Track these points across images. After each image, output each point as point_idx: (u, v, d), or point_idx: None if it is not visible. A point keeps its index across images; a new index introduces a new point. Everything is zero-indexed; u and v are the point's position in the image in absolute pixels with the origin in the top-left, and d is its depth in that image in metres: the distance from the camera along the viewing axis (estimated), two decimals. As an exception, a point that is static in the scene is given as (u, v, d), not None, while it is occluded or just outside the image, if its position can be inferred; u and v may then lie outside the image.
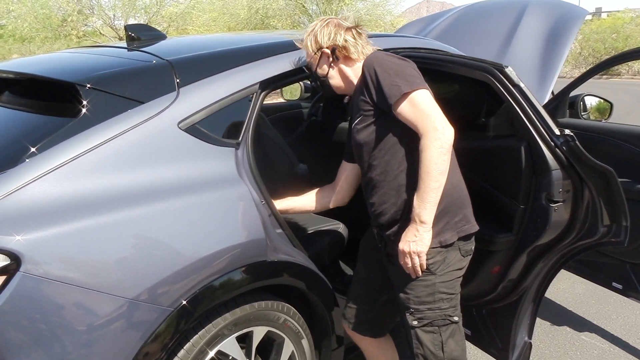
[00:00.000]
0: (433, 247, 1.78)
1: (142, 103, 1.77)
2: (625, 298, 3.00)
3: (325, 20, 1.99)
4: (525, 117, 1.88)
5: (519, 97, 1.89)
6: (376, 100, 1.81)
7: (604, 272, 3.00)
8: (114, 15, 17.93)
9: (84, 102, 1.71)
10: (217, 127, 1.89)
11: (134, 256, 1.59)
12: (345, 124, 2.78)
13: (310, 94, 4.49)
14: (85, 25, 17.44)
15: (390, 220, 1.89)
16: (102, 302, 1.52)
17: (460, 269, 1.87)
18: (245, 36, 2.66)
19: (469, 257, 1.89)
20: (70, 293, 1.48)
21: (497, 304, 2.24)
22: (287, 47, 2.17)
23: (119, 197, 1.61)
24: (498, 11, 4.42)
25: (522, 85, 1.89)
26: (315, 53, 1.98)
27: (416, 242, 1.73)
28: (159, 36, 2.37)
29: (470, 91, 2.53)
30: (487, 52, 3.75)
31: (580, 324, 3.20)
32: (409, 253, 1.75)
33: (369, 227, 2.99)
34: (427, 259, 1.78)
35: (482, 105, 2.45)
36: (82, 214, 1.53)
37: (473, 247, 1.89)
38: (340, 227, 2.59)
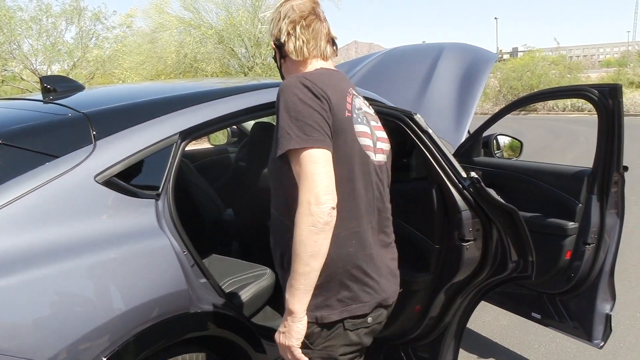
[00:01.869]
0: (309, 321, 1.52)
1: (57, 157, 1.74)
2: (545, 327, 3.14)
3: (285, 3, 1.66)
4: (434, 161, 1.98)
5: (428, 143, 2.00)
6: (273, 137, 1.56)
7: (524, 303, 3.13)
8: (37, 60, 17.48)
9: (-5, 158, 1.66)
10: (136, 179, 1.88)
11: (51, 315, 1.54)
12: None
13: (237, 139, 4.53)
14: (5, 70, 16.87)
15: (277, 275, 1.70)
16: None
17: (348, 344, 1.59)
18: (166, 85, 2.67)
19: (366, 330, 1.61)
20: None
21: (422, 342, 2.30)
22: (208, 96, 2.20)
23: (34, 254, 1.57)
24: (416, 56, 4.64)
25: (430, 131, 2.00)
26: (272, 42, 1.73)
27: (285, 334, 1.49)
28: (77, 87, 2.35)
29: (395, 133, 2.63)
30: (407, 94, 3.93)
31: (506, 354, 3.31)
32: (279, 345, 1.53)
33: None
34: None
35: (403, 147, 2.55)
36: (-5, 273, 1.48)
37: (374, 321, 1.61)
38: (267, 273, 2.59)
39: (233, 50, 14.82)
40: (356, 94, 1.67)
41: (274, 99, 2.45)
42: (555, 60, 31.76)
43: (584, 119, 20.47)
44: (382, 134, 1.71)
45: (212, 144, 4.65)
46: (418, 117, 2.01)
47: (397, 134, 2.50)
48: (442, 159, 1.97)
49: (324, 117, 1.47)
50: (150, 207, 1.87)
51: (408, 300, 2.15)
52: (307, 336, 1.53)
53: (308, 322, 1.51)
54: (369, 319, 1.57)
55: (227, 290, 2.13)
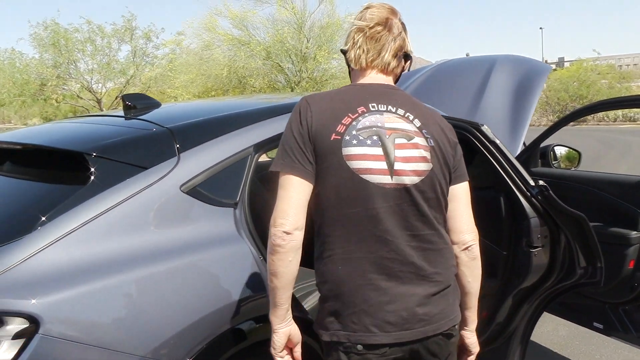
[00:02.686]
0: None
1: (146, 169, 1.88)
2: (607, 337, 3.11)
3: (362, 9, 1.67)
4: (502, 170, 2.04)
5: (496, 153, 2.06)
6: None
7: (585, 313, 3.12)
8: (92, 79, 18.26)
9: (91, 170, 1.81)
10: (216, 189, 2.00)
11: (145, 315, 1.67)
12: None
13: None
14: (64, 89, 17.68)
15: None
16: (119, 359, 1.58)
17: None
18: (237, 101, 2.82)
19: (358, 358, 1.50)
20: (86, 352, 1.55)
21: (486, 348, 2.33)
22: (278, 110, 2.33)
23: (128, 258, 1.71)
24: (468, 68, 4.68)
25: (497, 141, 2.06)
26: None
27: (271, 344, 1.61)
28: (154, 104, 2.51)
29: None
30: (460, 106, 3.97)
31: (567, 365, 3.30)
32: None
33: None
34: None
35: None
36: (94, 276, 1.62)
37: (366, 351, 1.50)
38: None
39: (280, 65, 15.13)
40: (381, 109, 1.56)
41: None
42: (603, 70, 31.05)
43: (636, 130, 19.91)
44: (413, 152, 1.53)
45: (268, 157, 4.78)
46: (485, 128, 2.07)
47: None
48: (510, 168, 2.02)
49: (298, 143, 1.49)
50: (229, 215, 2.00)
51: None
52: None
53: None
54: (359, 347, 1.49)
55: (296, 296, 2.22)
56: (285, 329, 1.59)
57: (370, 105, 1.55)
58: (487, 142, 2.06)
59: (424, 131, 1.56)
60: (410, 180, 1.50)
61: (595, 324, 3.02)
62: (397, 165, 1.50)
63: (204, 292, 1.83)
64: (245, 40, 14.64)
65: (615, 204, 2.88)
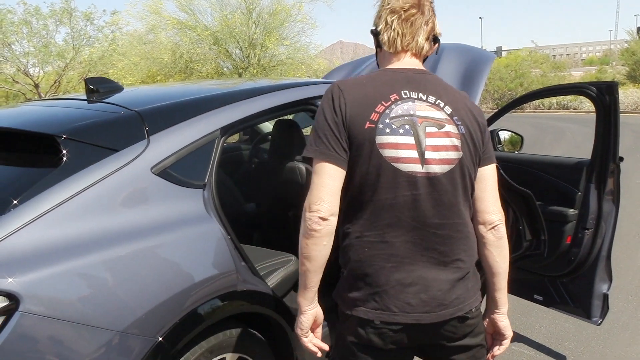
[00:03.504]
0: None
1: (117, 151, 1.92)
2: (546, 309, 3.36)
3: None
4: None
5: None
6: None
7: (527, 287, 3.35)
8: (28, 62, 17.51)
9: (63, 152, 1.84)
10: (186, 171, 2.06)
11: (120, 292, 1.73)
12: (292, 164, 3.00)
13: (248, 137, 4.71)
14: (-2, 72, 16.89)
15: None
16: (94, 335, 1.64)
17: (356, 337, 1.58)
18: (202, 86, 2.86)
19: (373, 331, 1.55)
20: (65, 329, 1.60)
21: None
22: (243, 94, 2.40)
23: (103, 238, 1.75)
24: (417, 56, 4.82)
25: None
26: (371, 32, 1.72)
27: (296, 324, 1.68)
28: (117, 88, 2.53)
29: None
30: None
31: (509, 336, 3.54)
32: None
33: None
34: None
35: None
36: (70, 256, 1.66)
37: (384, 326, 1.54)
38: (293, 259, 2.78)
39: (227, 51, 14.99)
40: (413, 97, 1.56)
41: (299, 97, 2.67)
42: (539, 59, 32.24)
43: (568, 117, 20.89)
44: (444, 140, 1.54)
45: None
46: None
47: None
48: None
49: (333, 131, 1.51)
50: (199, 195, 2.06)
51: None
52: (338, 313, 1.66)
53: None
54: (377, 322, 1.54)
55: (261, 274, 2.31)
56: (312, 311, 1.65)
57: (402, 92, 1.56)
58: None
59: (454, 118, 1.57)
60: (440, 169, 1.52)
61: (535, 296, 3.24)
62: (428, 154, 1.51)
63: (176, 269, 1.90)
64: (192, 25, 14.41)
65: (555, 184, 3.10)
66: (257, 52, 14.66)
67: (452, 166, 1.54)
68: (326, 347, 1.71)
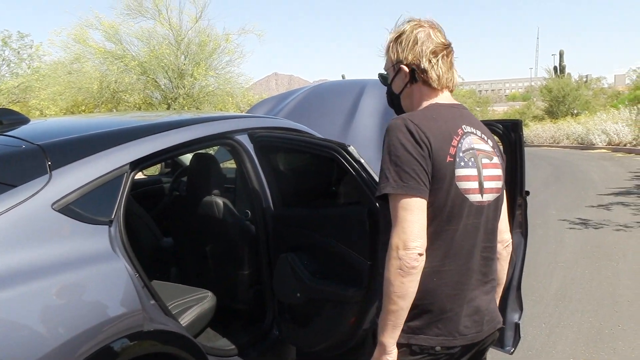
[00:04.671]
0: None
1: (15, 186, 1.83)
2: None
3: (418, 27, 1.69)
4: (366, 187, 2.23)
5: (360, 171, 2.24)
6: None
7: None
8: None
9: (-46, 188, 1.74)
10: (91, 206, 1.99)
11: (17, 333, 1.63)
12: (209, 198, 2.97)
13: (170, 169, 4.63)
14: None
15: None
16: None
17: None
18: (113, 118, 2.79)
19: (431, 358, 1.60)
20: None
21: (357, 352, 2.50)
22: (155, 128, 2.36)
23: (-3, 278, 1.65)
24: (340, 91, 4.94)
25: (362, 160, 2.25)
26: (393, 65, 1.74)
27: None
28: (22, 120, 2.43)
29: (321, 165, 2.84)
30: (333, 127, 4.20)
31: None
32: None
33: (237, 294, 3.11)
34: None
35: (331, 177, 2.79)
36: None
37: (443, 351, 1.60)
38: (209, 296, 2.72)
39: (156, 81, 14.77)
40: (470, 131, 1.65)
41: (216, 131, 2.67)
42: (465, 94, 33.71)
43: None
44: (494, 171, 1.67)
45: (144, 175, 4.71)
46: (351, 149, 2.25)
47: (325, 167, 2.70)
48: (374, 184, 2.21)
49: (422, 165, 1.51)
50: (104, 232, 1.99)
51: (345, 313, 2.36)
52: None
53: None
54: (437, 348, 1.59)
55: (173, 312, 2.25)
56: (395, 350, 1.59)
57: (463, 126, 1.64)
58: (353, 162, 2.24)
59: (495, 150, 1.72)
60: (492, 197, 1.66)
61: None
62: (486, 184, 1.63)
63: (77, 310, 1.80)
64: (119, 54, 14.13)
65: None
66: (186, 82, 14.54)
67: (498, 195, 1.69)
68: None
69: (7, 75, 17.07)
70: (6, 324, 1.62)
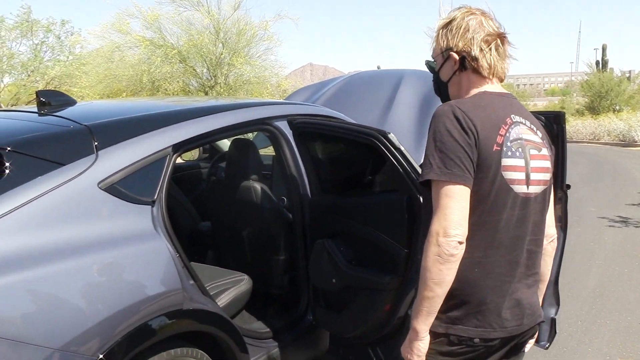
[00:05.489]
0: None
1: (63, 165, 1.89)
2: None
3: (469, 14, 1.66)
4: (406, 175, 2.22)
5: (400, 159, 2.24)
6: None
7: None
8: (-12, 73, 17.13)
9: (6, 165, 1.80)
10: (135, 187, 2.04)
11: (60, 308, 1.69)
12: (247, 183, 3.00)
13: (208, 155, 4.69)
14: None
15: None
16: (31, 353, 1.59)
17: (448, 355, 1.61)
18: (156, 102, 2.85)
19: (469, 349, 1.60)
20: (1, 346, 1.54)
21: (389, 340, 2.50)
22: (198, 112, 2.40)
23: (43, 253, 1.71)
24: (378, 81, 4.91)
25: (402, 148, 2.25)
26: (442, 52, 1.71)
27: (408, 349, 1.60)
28: (70, 102, 2.49)
29: (358, 154, 2.82)
30: (370, 117, 4.18)
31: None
32: (403, 357, 1.64)
33: (272, 279, 3.13)
34: None
35: (368, 166, 2.78)
36: (9, 269, 1.62)
37: (481, 343, 1.58)
38: (245, 279, 2.76)
39: (194, 69, 14.94)
40: (519, 121, 1.62)
41: (255, 117, 2.69)
42: (503, 87, 33.02)
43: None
44: (542, 163, 1.64)
45: (183, 160, 4.79)
46: (392, 136, 2.25)
47: (362, 156, 2.67)
48: (413, 172, 2.21)
49: (467, 153, 1.49)
50: (147, 212, 2.04)
51: (380, 300, 2.36)
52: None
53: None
54: (476, 340, 1.57)
55: (211, 293, 2.29)
56: (428, 337, 1.59)
57: (512, 116, 1.61)
58: (393, 149, 2.24)
59: (544, 141, 1.67)
60: (538, 189, 1.62)
61: None
62: (532, 176, 1.59)
63: (119, 287, 1.86)
64: (159, 43, 14.34)
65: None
66: (224, 71, 14.66)
67: (545, 187, 1.65)
68: None
69: (50, 62, 17.46)
70: (51, 298, 1.69)
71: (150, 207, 2.06)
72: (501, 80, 1.71)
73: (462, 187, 1.48)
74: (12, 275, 1.62)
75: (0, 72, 17.10)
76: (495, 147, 1.53)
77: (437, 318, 1.58)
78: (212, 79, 14.89)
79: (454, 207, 1.46)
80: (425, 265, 1.48)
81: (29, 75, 17.22)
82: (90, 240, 1.85)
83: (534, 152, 1.61)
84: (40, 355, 1.61)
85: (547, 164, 1.66)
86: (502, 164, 1.53)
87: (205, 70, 15.02)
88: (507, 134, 1.56)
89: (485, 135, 1.52)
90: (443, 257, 1.45)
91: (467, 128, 1.50)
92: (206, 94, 14.58)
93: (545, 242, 1.74)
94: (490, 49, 1.63)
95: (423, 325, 1.55)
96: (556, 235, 1.82)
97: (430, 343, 1.60)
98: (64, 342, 1.66)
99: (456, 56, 1.66)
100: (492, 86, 1.68)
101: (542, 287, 1.82)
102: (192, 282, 2.13)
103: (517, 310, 1.61)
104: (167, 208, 2.15)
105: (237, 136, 3.06)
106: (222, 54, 14.70)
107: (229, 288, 2.67)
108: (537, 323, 1.70)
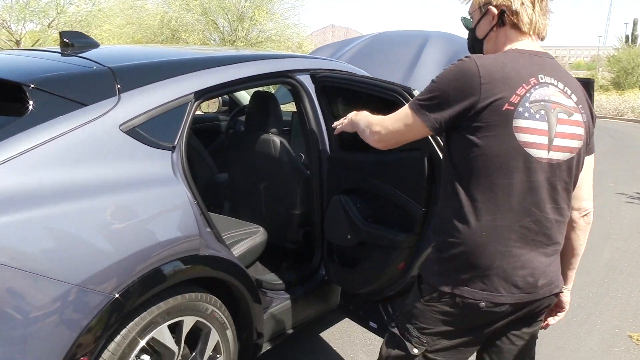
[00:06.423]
0: (426, 282, 1.68)
1: (86, 105, 1.89)
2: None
3: None
4: None
5: None
6: None
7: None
8: (10, 17, 17.09)
9: (29, 102, 1.80)
10: (155, 131, 2.03)
11: (79, 245, 1.71)
12: (267, 136, 2.99)
13: (227, 108, 4.67)
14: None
15: None
16: (50, 287, 1.62)
17: (448, 314, 1.62)
18: (179, 49, 2.82)
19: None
20: (22, 278, 1.57)
21: (400, 298, 2.52)
22: (221, 61, 2.37)
23: (64, 190, 1.72)
24: (403, 41, 4.83)
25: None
26: (480, 7, 1.67)
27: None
28: (93, 44, 2.48)
29: (381, 110, 2.79)
30: (392, 77, 4.12)
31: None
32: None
33: (287, 233, 3.14)
34: None
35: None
36: (29, 206, 1.63)
37: (487, 308, 1.58)
38: (260, 231, 2.78)
39: (215, 23, 14.79)
40: (549, 82, 1.55)
41: (278, 69, 2.66)
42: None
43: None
44: (572, 129, 1.56)
45: (202, 112, 4.78)
46: (416, 92, 2.21)
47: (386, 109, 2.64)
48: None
49: (449, 99, 1.51)
50: (167, 157, 2.04)
51: (394, 257, 2.37)
52: (421, 289, 1.66)
53: (424, 281, 1.66)
54: (482, 304, 1.56)
55: (226, 243, 2.31)
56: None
57: (539, 76, 1.54)
58: None
59: (580, 106, 1.58)
60: (563, 156, 1.55)
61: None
62: (556, 141, 1.53)
63: (138, 228, 1.88)
64: (180, -8, 14.21)
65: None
66: (246, 25, 14.50)
67: (572, 154, 1.57)
68: None
69: (70, 6, 17.37)
70: (69, 236, 1.70)
71: (170, 152, 2.05)
72: (541, 38, 1.65)
73: (420, 122, 1.59)
74: (32, 210, 1.63)
75: (22, 19, 17.07)
76: (506, 107, 1.47)
77: (444, 277, 1.60)
78: (233, 33, 14.74)
79: (397, 133, 1.69)
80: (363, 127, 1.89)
81: (49, 24, 17.18)
82: (111, 182, 1.85)
83: (562, 116, 1.54)
84: (59, 290, 1.63)
85: (579, 130, 1.57)
86: (514, 124, 1.48)
87: (226, 24, 14.87)
88: (528, 94, 1.50)
89: (493, 93, 1.47)
90: (375, 138, 1.79)
91: (468, 79, 1.49)
92: (227, 48, 14.49)
93: (577, 215, 1.72)
94: (532, 4, 1.59)
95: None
96: (591, 210, 1.75)
97: (434, 302, 1.62)
98: (81, 279, 1.68)
99: (495, 10, 1.61)
100: (529, 43, 1.61)
101: (574, 262, 1.81)
102: (208, 229, 2.14)
103: (531, 278, 1.58)
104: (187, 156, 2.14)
105: (258, 88, 3.03)
106: (244, 8, 14.51)
107: (244, 239, 2.69)
108: (553, 293, 1.65)
